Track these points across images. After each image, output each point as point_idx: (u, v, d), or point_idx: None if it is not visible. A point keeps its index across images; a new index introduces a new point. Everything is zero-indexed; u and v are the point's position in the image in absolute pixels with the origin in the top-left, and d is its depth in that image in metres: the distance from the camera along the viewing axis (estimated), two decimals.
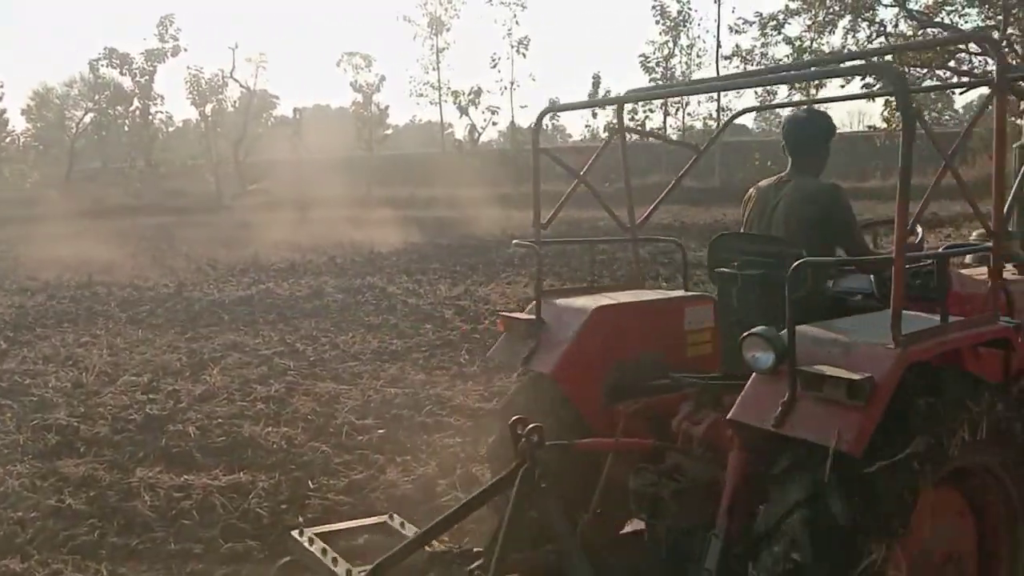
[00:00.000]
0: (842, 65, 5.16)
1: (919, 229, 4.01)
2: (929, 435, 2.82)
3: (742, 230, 4.24)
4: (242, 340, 10.63)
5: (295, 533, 4.01)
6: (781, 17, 16.77)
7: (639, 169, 40.04)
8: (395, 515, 4.29)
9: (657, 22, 40.11)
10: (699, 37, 40.13)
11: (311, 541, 3.86)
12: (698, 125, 41.38)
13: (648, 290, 4.74)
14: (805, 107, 4.88)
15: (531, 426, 3.20)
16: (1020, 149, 5.37)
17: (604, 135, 43.30)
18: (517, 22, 42.75)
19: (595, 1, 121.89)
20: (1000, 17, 15.24)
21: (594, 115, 42.82)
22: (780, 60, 17.13)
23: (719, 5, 38.60)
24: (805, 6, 16.29)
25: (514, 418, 3.27)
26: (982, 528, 3.34)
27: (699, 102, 41.01)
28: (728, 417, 3.08)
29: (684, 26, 39.82)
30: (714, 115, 40.29)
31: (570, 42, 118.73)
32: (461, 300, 13.28)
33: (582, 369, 3.85)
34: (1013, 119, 18.45)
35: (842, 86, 20.15)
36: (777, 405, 2.87)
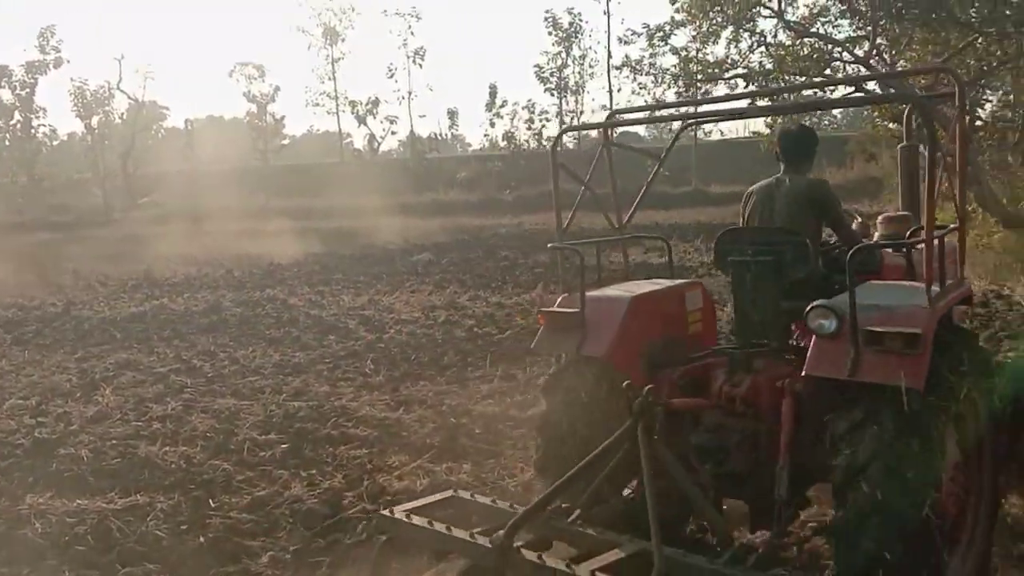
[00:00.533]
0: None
1: (858, 216, 5.25)
2: (969, 374, 3.66)
3: (742, 223, 5.07)
4: (136, 358, 10.28)
5: (385, 512, 4.15)
6: (667, 28, 17.37)
7: (537, 178, 40.64)
8: (459, 490, 4.46)
9: (550, 33, 40.76)
10: (591, 48, 41.04)
11: (408, 517, 3.97)
12: (593, 133, 42.24)
13: (652, 280, 5.33)
14: (795, 120, 6.29)
15: (647, 387, 3.68)
16: (902, 150, 5.98)
17: (503, 143, 43.79)
18: (412, 33, 42.76)
19: (489, 13, 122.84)
20: (869, 28, 16.19)
21: (492, 124, 43.08)
22: (667, 69, 17.68)
23: (608, 17, 39.55)
24: (690, 18, 16.88)
25: (625, 383, 3.80)
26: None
27: (592, 111, 41.86)
28: (804, 372, 3.70)
29: (576, 37, 40.62)
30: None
31: (466, 52, 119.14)
32: (365, 310, 13.19)
33: (627, 349, 4.43)
34: (891, 124, 19.58)
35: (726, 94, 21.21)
36: (846, 360, 3.51)
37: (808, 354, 3.71)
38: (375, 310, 13.17)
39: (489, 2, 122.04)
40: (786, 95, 18.02)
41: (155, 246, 26.11)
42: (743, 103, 7.27)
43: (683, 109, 5.50)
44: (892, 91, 16.64)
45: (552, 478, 4.17)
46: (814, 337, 3.69)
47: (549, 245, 5.12)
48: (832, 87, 16.99)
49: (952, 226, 4.27)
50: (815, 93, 18.40)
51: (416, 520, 3.94)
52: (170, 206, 40.25)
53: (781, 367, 4.24)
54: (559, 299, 4.83)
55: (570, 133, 42.08)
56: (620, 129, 40.87)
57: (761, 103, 13.41)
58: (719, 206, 31.40)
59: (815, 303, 3.69)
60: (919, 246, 4.18)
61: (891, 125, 19.45)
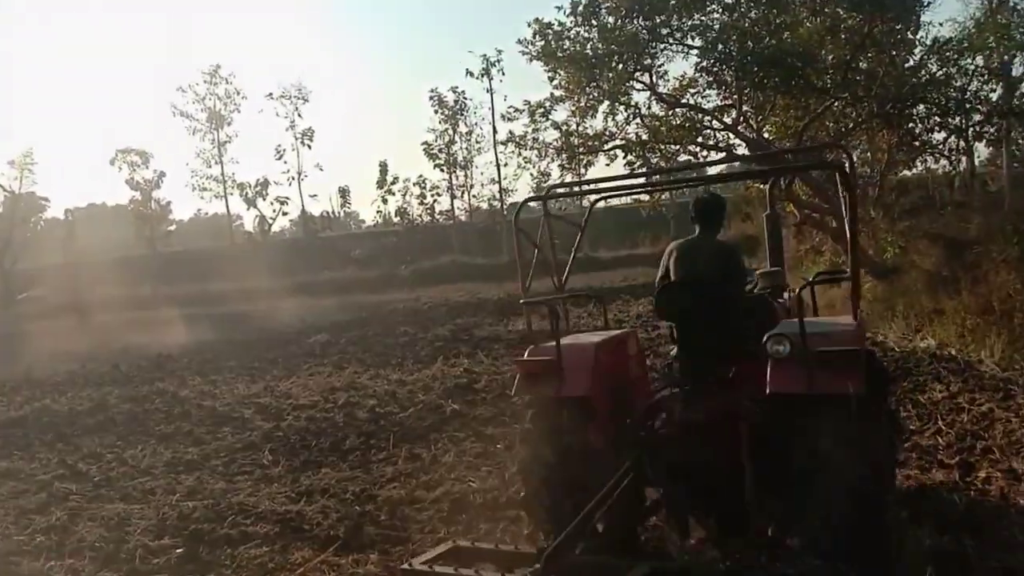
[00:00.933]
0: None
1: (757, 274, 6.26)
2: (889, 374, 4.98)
3: (660, 274, 5.83)
4: (16, 466, 9.71)
5: (405, 566, 4.53)
6: (548, 104, 18.00)
7: (432, 252, 40.89)
8: (459, 539, 4.91)
9: (436, 111, 41.53)
10: (476, 124, 41.93)
11: (431, 567, 4.37)
12: (484, 205, 43.02)
13: (594, 331, 6.27)
14: (706, 188, 7.49)
15: (648, 422, 5.01)
16: (766, 217, 6.96)
17: (396, 219, 43.99)
18: (300, 115, 42.71)
19: (376, 92, 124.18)
20: (735, 96, 17.23)
21: (384, 201, 43.25)
22: (550, 143, 18.30)
23: (492, 94, 40.59)
24: (567, 94, 17.57)
25: (628, 420, 5.07)
26: None
27: (482, 184, 42.65)
28: (768, 392, 4.38)
29: (461, 114, 41.53)
30: (497, 196, 42.06)
31: (354, 130, 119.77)
32: (261, 397, 12.87)
33: (601, 388, 5.09)
34: (761, 185, 20.70)
35: (607, 164, 22.36)
36: (803, 377, 4.26)
37: (768, 376, 4.41)
38: (271, 397, 12.88)
39: (375, 81, 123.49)
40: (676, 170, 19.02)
41: (36, 343, 24.86)
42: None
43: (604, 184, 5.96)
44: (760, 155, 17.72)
45: (541, 515, 5.06)
46: (770, 361, 4.42)
47: (522, 302, 5.70)
48: (705, 153, 17.91)
49: (844, 274, 5.33)
50: (689, 159, 19.50)
51: (440, 570, 4.31)
52: (51, 300, 38.57)
53: (730, 394, 4.94)
54: (527, 350, 5.38)
55: (460, 207, 42.65)
56: (509, 200, 41.33)
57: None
58: (610, 270, 32.26)
59: (771, 332, 4.49)
60: (792, 295, 5.94)
61: (762, 186, 20.61)
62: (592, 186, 6.65)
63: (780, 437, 4.41)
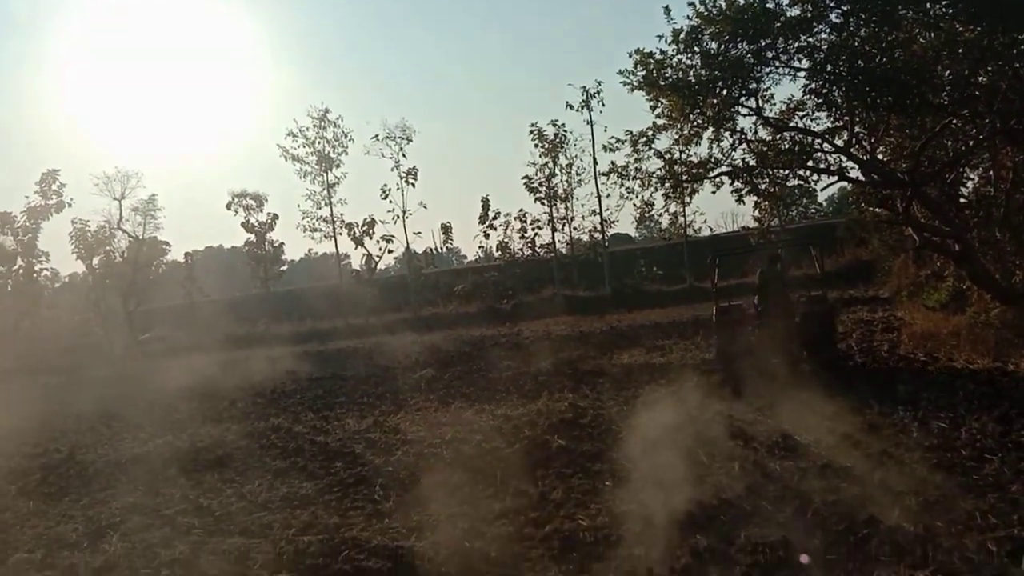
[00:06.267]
0: None
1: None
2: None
3: (759, 282, 15.34)
4: (141, 501, 10.12)
5: None
6: (650, 133, 17.77)
7: (534, 285, 40.98)
8: None
9: (536, 145, 41.74)
10: (576, 156, 41.93)
11: None
12: (585, 237, 42.86)
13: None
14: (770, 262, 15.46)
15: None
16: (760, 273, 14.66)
17: (498, 254, 44.34)
18: (404, 155, 43.71)
19: (477, 129, 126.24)
20: (847, 118, 16.63)
21: (486, 236, 43.66)
22: (653, 173, 18.01)
23: (592, 126, 40.54)
24: (671, 122, 17.34)
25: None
26: None
27: (583, 216, 42.50)
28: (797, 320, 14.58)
29: (561, 147, 41.59)
30: (598, 228, 41.88)
31: (457, 167, 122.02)
32: (371, 433, 13.07)
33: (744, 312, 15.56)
34: (876, 208, 19.88)
35: (713, 191, 21.98)
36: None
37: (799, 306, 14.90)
38: (381, 432, 13.05)
39: (477, 120, 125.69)
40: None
41: (157, 381, 26.08)
42: None
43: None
44: (875, 177, 17.01)
45: (724, 366, 14.44)
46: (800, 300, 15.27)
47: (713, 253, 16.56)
48: (816, 176, 17.37)
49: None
50: (799, 183, 18.96)
51: None
52: (171, 340, 40.43)
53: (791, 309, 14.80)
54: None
55: (561, 240, 42.68)
56: (610, 232, 41.24)
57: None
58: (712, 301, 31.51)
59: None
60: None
61: (876, 210, 19.78)
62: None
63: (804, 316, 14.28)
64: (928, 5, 15.50)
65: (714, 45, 16.14)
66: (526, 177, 41.93)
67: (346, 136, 45.53)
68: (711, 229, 46.09)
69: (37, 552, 8.26)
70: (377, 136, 43.59)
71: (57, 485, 11.74)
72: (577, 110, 40.26)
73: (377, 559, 6.97)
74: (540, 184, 41.95)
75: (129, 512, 9.60)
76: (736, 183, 17.66)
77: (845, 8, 15.74)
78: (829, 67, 15.94)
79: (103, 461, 13.12)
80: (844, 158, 17.01)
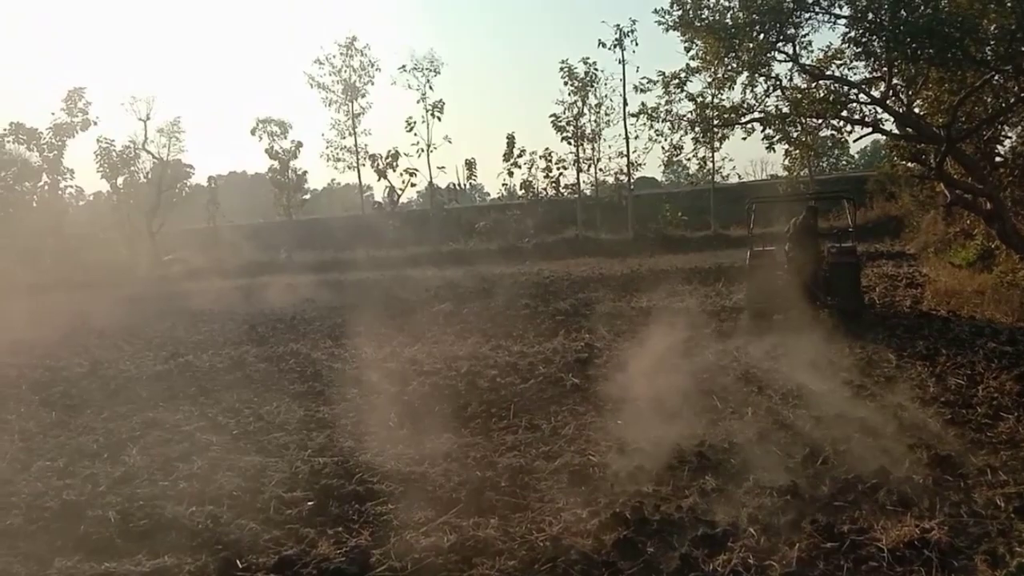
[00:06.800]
0: None
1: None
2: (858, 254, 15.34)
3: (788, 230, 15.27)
4: (161, 417, 10.32)
5: None
6: (683, 75, 17.45)
7: (556, 225, 40.83)
8: None
9: (566, 83, 41.10)
10: (606, 96, 41.28)
11: None
12: (610, 180, 42.45)
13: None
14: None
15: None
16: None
17: (521, 192, 44.07)
18: (431, 87, 43.24)
19: (505, 64, 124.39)
20: (885, 69, 16.22)
21: (510, 174, 43.36)
22: (684, 116, 17.72)
23: (624, 65, 39.84)
24: (705, 65, 16.99)
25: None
26: None
27: (609, 158, 42.05)
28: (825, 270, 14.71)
29: (592, 86, 40.92)
30: (624, 170, 41.45)
31: (483, 103, 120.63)
32: (387, 362, 13.20)
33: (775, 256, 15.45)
34: (908, 163, 19.52)
35: (743, 138, 21.62)
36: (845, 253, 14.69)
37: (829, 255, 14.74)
38: (397, 362, 13.18)
39: (505, 54, 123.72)
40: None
41: (180, 303, 26.42)
42: None
43: None
44: (909, 131, 16.64)
45: (752, 307, 14.88)
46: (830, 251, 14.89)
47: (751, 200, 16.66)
48: (849, 127, 17.04)
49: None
50: (831, 133, 18.62)
51: None
52: (194, 262, 40.80)
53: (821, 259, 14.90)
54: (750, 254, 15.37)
55: (586, 181, 42.32)
56: (636, 175, 41.22)
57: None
58: (738, 247, 31.34)
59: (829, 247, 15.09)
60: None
61: (909, 164, 19.42)
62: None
63: (832, 266, 14.34)
64: None
65: None
66: (554, 115, 41.49)
67: (373, 65, 45.21)
68: (739, 176, 45.51)
69: (59, 461, 8.46)
70: (404, 67, 43.17)
71: (79, 398, 11.99)
72: (610, 48, 39.57)
73: (390, 483, 7.09)
74: (568, 123, 41.49)
75: (148, 427, 9.81)
76: (768, 130, 17.40)
77: None
78: (871, 15, 15.50)
79: (124, 377, 13.38)
80: (879, 110, 16.65)
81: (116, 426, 10.01)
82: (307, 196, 53.43)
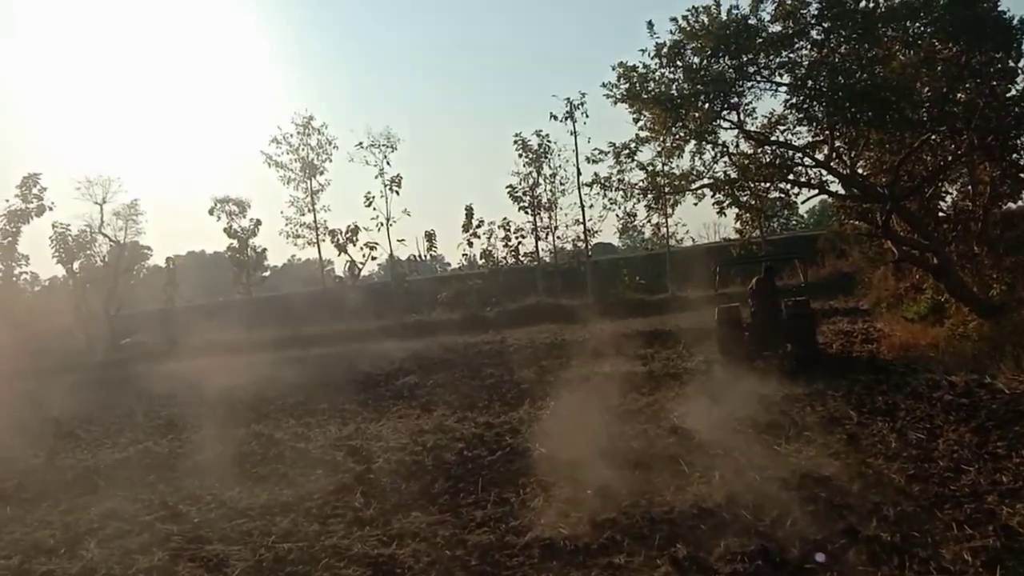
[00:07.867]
0: None
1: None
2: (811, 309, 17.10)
3: (751, 289, 16.76)
4: (120, 507, 10.06)
5: None
6: (633, 145, 17.92)
7: (517, 294, 41.01)
8: None
9: (520, 155, 41.83)
10: (560, 166, 42.06)
11: None
12: (568, 247, 42.96)
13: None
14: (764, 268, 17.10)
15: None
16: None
17: (482, 262, 44.36)
18: (388, 163, 43.67)
19: (460, 139, 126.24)
20: (827, 132, 16.84)
21: (470, 244, 43.68)
22: (636, 184, 18.18)
23: (575, 136, 40.75)
24: (653, 134, 17.49)
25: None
26: None
27: (566, 225, 42.64)
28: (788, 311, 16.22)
29: (545, 157, 41.71)
30: (581, 237, 42.03)
31: (441, 175, 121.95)
32: (352, 440, 13.03)
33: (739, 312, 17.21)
34: (855, 221, 20.08)
35: (695, 203, 22.28)
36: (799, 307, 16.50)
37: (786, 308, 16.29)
38: (362, 439, 13.02)
39: (461, 128, 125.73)
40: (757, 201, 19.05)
41: (138, 387, 25.88)
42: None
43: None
44: (855, 191, 17.20)
45: (725, 350, 16.48)
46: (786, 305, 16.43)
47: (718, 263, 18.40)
48: (796, 190, 17.61)
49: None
50: (780, 196, 19.21)
51: None
52: (153, 345, 40.13)
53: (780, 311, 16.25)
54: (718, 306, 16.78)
55: (545, 248, 42.78)
56: (593, 241, 41.44)
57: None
58: (696, 309, 31.71)
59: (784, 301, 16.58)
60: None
61: (856, 223, 20.00)
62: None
63: (790, 317, 15.77)
64: (907, 23, 15.76)
65: (696, 60, 16.35)
66: (510, 186, 42.02)
67: (330, 143, 45.48)
68: (693, 240, 46.33)
69: (14, 558, 8.18)
70: (361, 144, 43.57)
71: (35, 490, 11.64)
72: (561, 121, 40.45)
73: (357, 567, 6.97)
74: (524, 193, 42.06)
75: (107, 518, 9.54)
76: (718, 195, 17.87)
77: (826, 25, 15.98)
78: (810, 82, 16.17)
79: (81, 466, 13.04)
80: (824, 172, 17.25)
81: (74, 519, 9.72)
82: (267, 273, 53.02)
